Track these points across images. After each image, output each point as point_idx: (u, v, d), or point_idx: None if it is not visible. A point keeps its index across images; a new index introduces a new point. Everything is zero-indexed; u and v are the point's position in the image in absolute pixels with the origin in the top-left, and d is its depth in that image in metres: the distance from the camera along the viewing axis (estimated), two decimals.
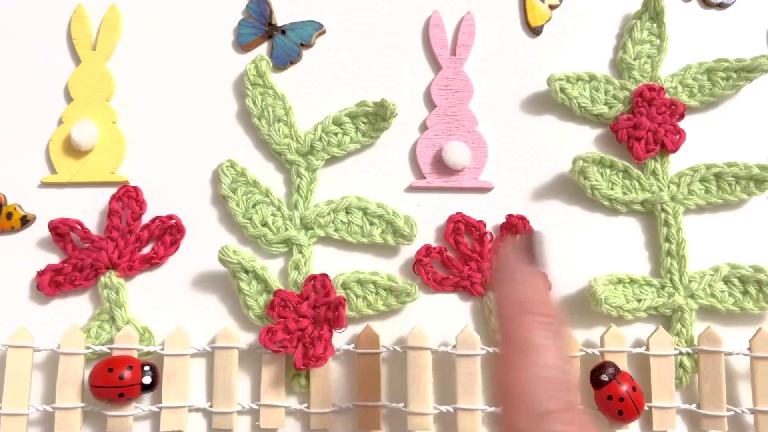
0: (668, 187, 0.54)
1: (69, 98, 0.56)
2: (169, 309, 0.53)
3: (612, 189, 0.53)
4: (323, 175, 0.55)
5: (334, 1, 0.58)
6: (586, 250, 0.54)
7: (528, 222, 0.53)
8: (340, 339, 0.51)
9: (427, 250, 0.53)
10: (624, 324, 0.52)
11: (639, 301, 0.52)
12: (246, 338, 0.52)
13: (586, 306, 0.52)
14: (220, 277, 0.53)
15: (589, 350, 0.50)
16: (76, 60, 0.57)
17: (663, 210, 0.53)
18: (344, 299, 0.50)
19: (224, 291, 0.53)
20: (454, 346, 0.50)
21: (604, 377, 0.48)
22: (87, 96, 0.56)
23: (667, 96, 0.55)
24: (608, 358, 0.50)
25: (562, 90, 0.55)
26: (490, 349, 0.50)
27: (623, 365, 0.50)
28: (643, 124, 0.54)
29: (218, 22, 0.58)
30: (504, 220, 0.53)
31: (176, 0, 0.58)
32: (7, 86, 0.57)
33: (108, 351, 0.50)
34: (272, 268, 0.53)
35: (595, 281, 0.50)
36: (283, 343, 0.49)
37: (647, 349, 0.51)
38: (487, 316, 0.52)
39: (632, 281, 0.52)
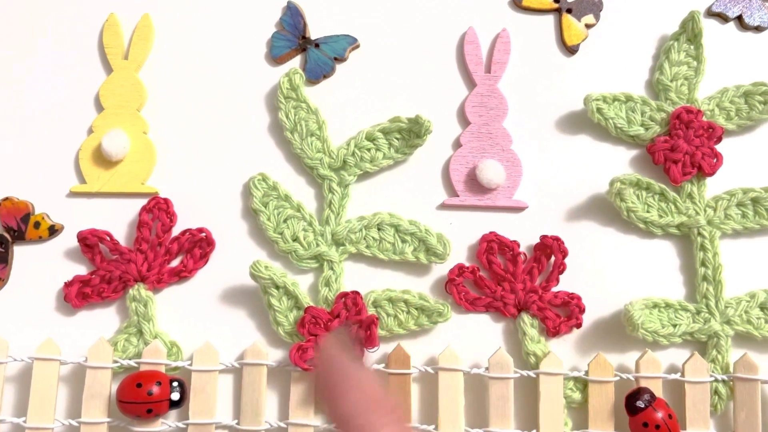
0: (705, 210, 0.53)
1: (100, 107, 0.56)
2: (197, 323, 0.52)
3: (648, 211, 0.53)
4: (355, 190, 0.54)
5: (369, 16, 0.58)
6: (621, 273, 0.53)
7: (562, 243, 0.52)
8: (370, 358, 0.51)
9: (459, 269, 0.52)
10: (658, 349, 0.51)
11: (674, 326, 0.51)
12: (275, 355, 0.51)
13: (619, 330, 0.51)
14: (249, 291, 0.52)
15: (624, 375, 0.50)
16: (108, 69, 0.57)
17: (699, 234, 0.53)
18: (376, 318, 0.49)
19: (253, 306, 0.52)
20: (487, 368, 0.50)
21: (640, 404, 0.48)
22: (118, 105, 0.55)
23: (704, 119, 0.54)
24: (643, 383, 0.49)
25: (599, 110, 0.54)
26: (524, 373, 0.49)
27: (658, 391, 0.49)
28: (681, 147, 0.53)
29: (252, 34, 0.57)
30: (538, 240, 0.53)
31: (210, 11, 0.58)
32: (38, 94, 0.56)
33: (135, 365, 0.50)
34: (302, 284, 0.52)
35: (632, 305, 0.50)
36: (314, 361, 0.49)
37: (682, 375, 0.50)
38: (520, 338, 0.51)
39: (668, 306, 0.52)
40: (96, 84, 0.56)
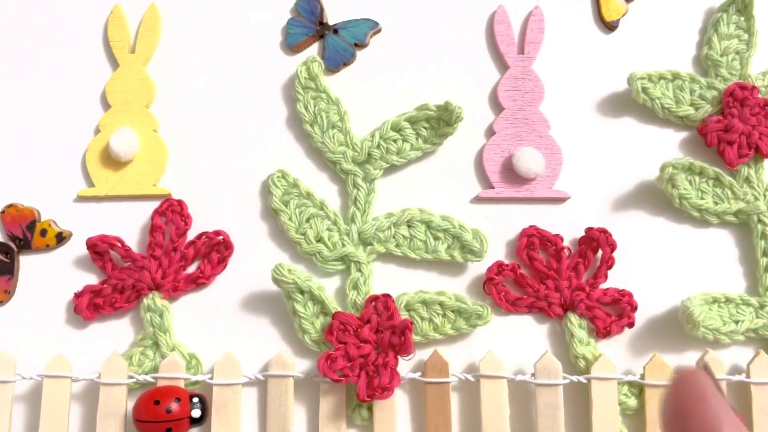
0: (764, 195, 0.49)
1: (106, 105, 0.52)
2: (216, 333, 0.49)
3: (702, 198, 0.49)
4: (382, 185, 0.51)
5: None
6: (674, 266, 0.49)
7: (610, 235, 0.48)
8: (405, 366, 0.47)
9: (499, 267, 0.48)
10: (720, 348, 0.47)
11: (736, 322, 0.47)
12: (301, 365, 0.48)
13: (675, 328, 0.47)
14: (271, 297, 0.49)
15: None
16: (114, 64, 0.53)
17: (759, 221, 0.48)
18: (411, 323, 0.45)
19: (276, 313, 0.49)
20: (533, 374, 0.46)
21: None
22: (126, 102, 0.52)
23: (759, 95, 0.50)
24: None
25: (644, 90, 0.50)
26: (573, 378, 0.45)
27: None
28: (736, 127, 0.49)
29: (265, 22, 0.54)
30: (583, 233, 0.48)
31: None
32: (41, 93, 0.53)
33: (152, 381, 0.46)
34: (328, 288, 0.48)
35: (690, 302, 0.45)
36: (344, 371, 0.45)
37: (747, 376, 0.45)
38: (567, 341, 0.47)
39: (728, 300, 0.47)
40: (102, 80, 0.53)
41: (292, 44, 0.53)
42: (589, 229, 0.48)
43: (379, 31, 0.53)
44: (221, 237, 0.49)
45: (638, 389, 0.46)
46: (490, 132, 0.51)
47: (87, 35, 0.54)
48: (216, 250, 0.49)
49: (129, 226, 0.50)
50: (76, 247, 0.50)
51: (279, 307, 0.48)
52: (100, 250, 0.49)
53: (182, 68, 0.53)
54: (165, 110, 0.52)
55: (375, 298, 0.47)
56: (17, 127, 0.52)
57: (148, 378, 0.46)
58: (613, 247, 0.48)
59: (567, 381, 0.45)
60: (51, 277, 0.50)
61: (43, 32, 0.54)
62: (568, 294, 0.47)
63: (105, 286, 0.48)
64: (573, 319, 0.47)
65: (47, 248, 0.50)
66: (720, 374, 0.45)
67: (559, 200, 0.50)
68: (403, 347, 0.45)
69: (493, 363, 0.46)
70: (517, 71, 0.52)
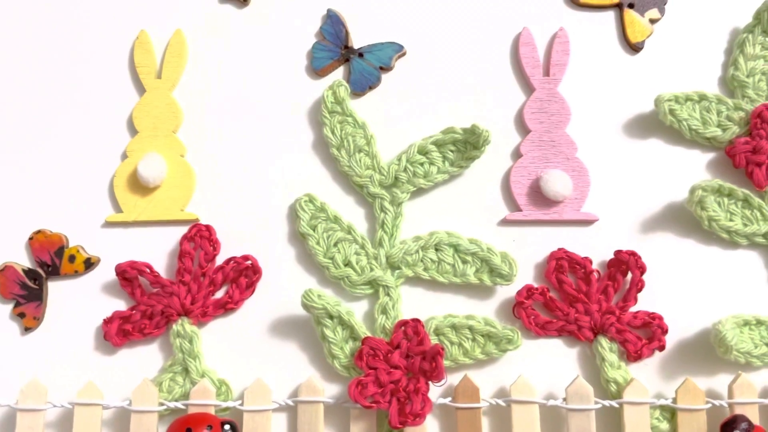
0: None
1: (133, 131, 0.52)
2: (245, 359, 0.49)
3: (731, 220, 0.48)
4: (409, 209, 0.51)
5: (415, 21, 0.54)
6: (704, 288, 0.49)
7: (639, 258, 0.48)
8: (435, 391, 0.47)
9: (528, 291, 0.48)
10: (751, 371, 0.47)
11: None
12: (331, 390, 0.47)
13: (706, 351, 0.47)
14: (300, 322, 0.49)
15: (716, 402, 0.45)
16: (140, 89, 0.53)
17: None
18: (442, 348, 0.45)
19: (305, 338, 0.49)
20: (564, 399, 0.45)
21: None
22: (153, 128, 0.52)
23: None
24: (738, 410, 0.45)
25: (672, 111, 0.50)
26: (605, 403, 0.45)
27: (755, 419, 0.44)
28: (764, 148, 0.49)
29: (291, 46, 0.54)
30: (612, 255, 0.48)
31: (245, 23, 0.54)
32: (67, 119, 0.53)
33: (183, 407, 0.46)
34: (356, 313, 0.48)
35: (722, 325, 0.45)
36: (375, 397, 0.45)
37: None
38: (598, 365, 0.47)
39: (759, 323, 0.47)
40: (128, 106, 0.53)
41: (317, 68, 0.53)
42: (618, 252, 0.48)
43: (404, 54, 0.53)
44: (249, 262, 0.49)
45: (670, 413, 0.46)
46: (517, 154, 0.51)
47: (113, 61, 0.54)
48: (244, 275, 0.49)
49: (157, 251, 0.50)
50: (105, 273, 0.50)
51: (307, 332, 0.48)
52: (129, 276, 0.49)
53: (208, 93, 0.53)
54: (192, 135, 0.52)
55: (404, 323, 0.47)
56: (45, 153, 0.53)
57: (179, 405, 0.46)
58: (642, 269, 0.48)
59: (599, 406, 0.45)
60: (79, 304, 0.50)
61: (69, 58, 0.54)
62: (599, 317, 0.47)
63: (134, 312, 0.48)
64: (604, 342, 0.47)
65: (76, 274, 0.50)
66: (752, 398, 0.45)
67: (587, 222, 0.50)
68: (434, 373, 0.45)
69: (524, 388, 0.45)
70: (542, 93, 0.52)
